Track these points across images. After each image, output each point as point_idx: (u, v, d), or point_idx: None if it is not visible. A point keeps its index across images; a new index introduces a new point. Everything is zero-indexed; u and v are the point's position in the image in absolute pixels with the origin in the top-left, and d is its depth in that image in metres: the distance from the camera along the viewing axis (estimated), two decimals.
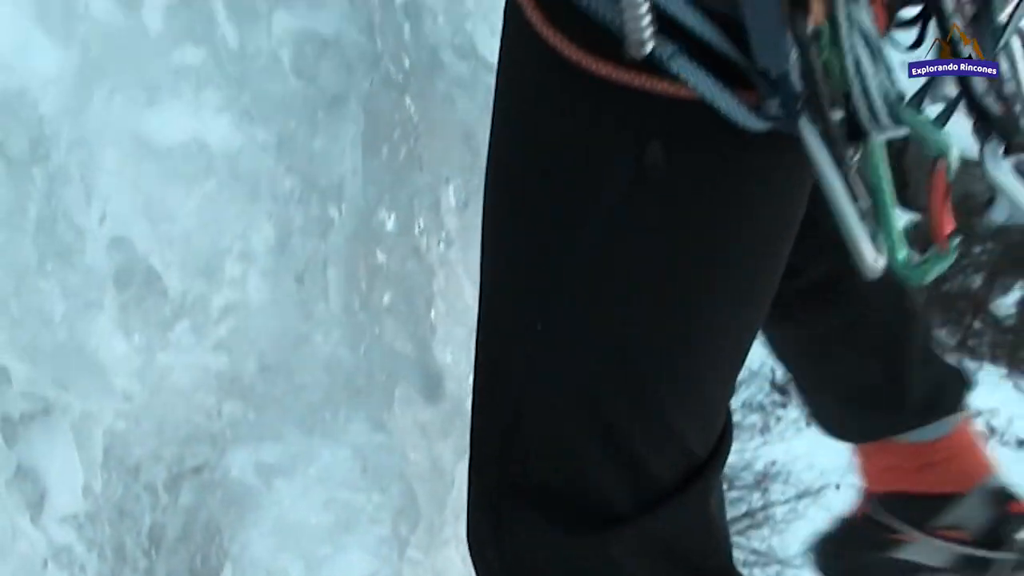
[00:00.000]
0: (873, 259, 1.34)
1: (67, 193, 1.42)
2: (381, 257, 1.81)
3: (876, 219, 1.37)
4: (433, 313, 1.89)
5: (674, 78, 1.36)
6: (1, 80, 1.37)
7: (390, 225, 1.82)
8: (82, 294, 1.44)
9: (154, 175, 1.49)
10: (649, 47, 1.34)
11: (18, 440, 1.45)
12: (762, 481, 11.80)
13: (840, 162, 1.33)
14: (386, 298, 1.82)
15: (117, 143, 1.45)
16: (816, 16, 1.31)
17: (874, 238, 1.35)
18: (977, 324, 13.33)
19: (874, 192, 1.38)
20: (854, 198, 1.34)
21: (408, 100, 1.84)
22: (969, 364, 10.19)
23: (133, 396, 1.53)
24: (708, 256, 1.49)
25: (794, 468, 11.59)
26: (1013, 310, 13.51)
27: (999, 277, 13.63)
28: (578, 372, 1.53)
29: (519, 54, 1.57)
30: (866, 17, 1.32)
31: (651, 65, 1.37)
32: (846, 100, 1.34)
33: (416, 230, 1.87)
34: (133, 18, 1.47)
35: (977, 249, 13.44)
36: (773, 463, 11.80)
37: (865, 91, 1.33)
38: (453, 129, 2.08)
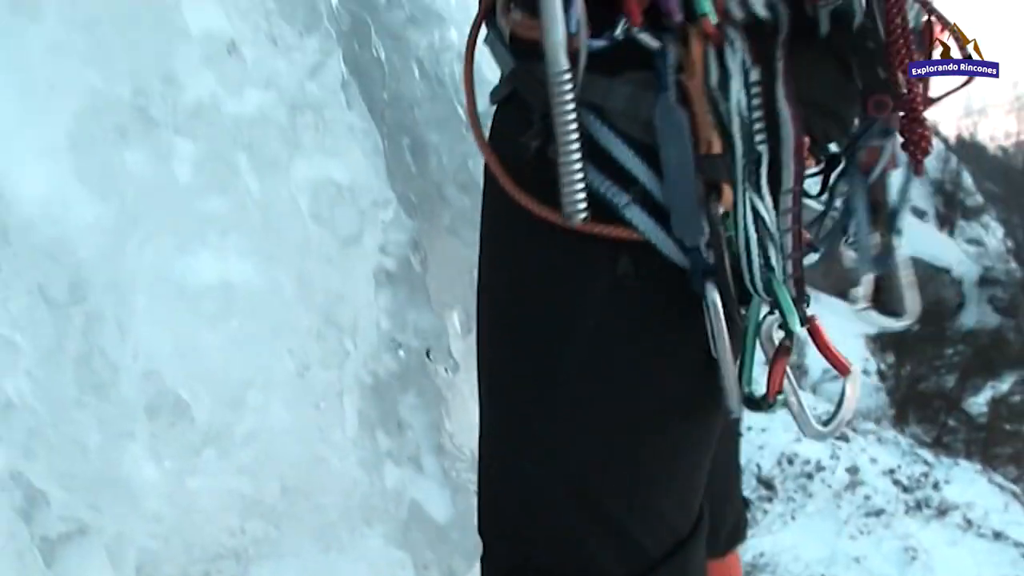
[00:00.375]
0: (738, 403, 1.51)
1: (103, 332, 1.43)
2: (393, 384, 1.83)
3: (740, 364, 1.52)
4: (441, 434, 1.90)
5: (629, 223, 1.46)
6: (43, 229, 1.39)
7: (400, 354, 1.84)
8: (116, 424, 1.45)
9: (183, 314, 1.51)
10: (581, 217, 1.44)
11: (56, 560, 1.45)
12: (751, 573, 11.66)
13: (731, 321, 1.47)
14: (398, 422, 1.83)
15: (149, 286, 1.47)
16: (726, 200, 1.42)
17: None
18: (952, 422, 13.29)
19: (743, 343, 1.52)
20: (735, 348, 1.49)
21: (415, 235, 1.87)
22: (944, 460, 10.14)
23: (163, 518, 1.54)
24: (684, 356, 1.56)
25: (781, 560, 11.45)
26: (985, 408, 13.47)
27: (971, 378, 13.63)
28: (578, 469, 1.58)
29: (496, 203, 1.63)
30: (760, 202, 1.42)
31: (609, 212, 1.46)
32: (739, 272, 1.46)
33: (425, 357, 1.89)
34: (164, 171, 1.50)
35: (949, 351, 13.47)
36: (761, 555, 11.65)
37: (750, 266, 1.45)
38: (457, 259, 2.11)
